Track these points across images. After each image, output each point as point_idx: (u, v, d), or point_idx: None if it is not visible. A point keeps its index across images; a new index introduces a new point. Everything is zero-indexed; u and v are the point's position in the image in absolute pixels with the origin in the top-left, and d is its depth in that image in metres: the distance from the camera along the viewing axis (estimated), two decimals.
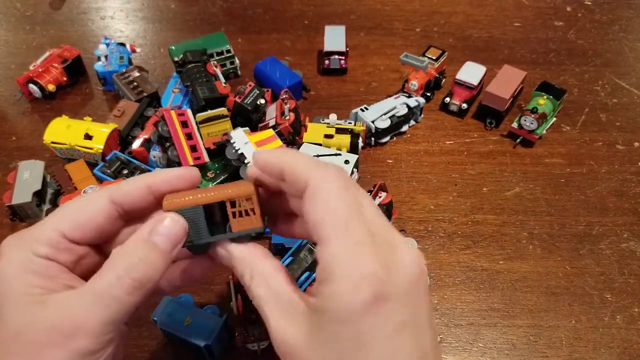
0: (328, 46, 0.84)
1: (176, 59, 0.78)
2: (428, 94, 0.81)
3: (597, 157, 0.74)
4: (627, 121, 0.79)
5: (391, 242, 0.29)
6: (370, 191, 0.62)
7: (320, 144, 0.69)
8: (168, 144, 0.66)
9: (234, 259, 0.33)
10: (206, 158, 0.66)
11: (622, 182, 0.70)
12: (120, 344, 0.34)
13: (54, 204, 0.66)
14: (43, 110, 0.80)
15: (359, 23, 0.96)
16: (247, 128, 0.68)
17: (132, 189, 0.33)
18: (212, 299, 0.58)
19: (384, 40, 0.93)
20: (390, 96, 0.78)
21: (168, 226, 0.32)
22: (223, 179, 0.67)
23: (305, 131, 0.71)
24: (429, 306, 0.30)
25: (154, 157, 0.68)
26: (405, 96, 0.77)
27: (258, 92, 0.72)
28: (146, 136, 0.69)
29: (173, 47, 0.82)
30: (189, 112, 0.69)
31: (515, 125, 0.74)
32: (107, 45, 0.82)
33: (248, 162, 0.63)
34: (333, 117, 0.74)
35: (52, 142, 0.68)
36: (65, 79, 0.81)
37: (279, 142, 0.65)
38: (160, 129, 0.66)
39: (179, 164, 0.63)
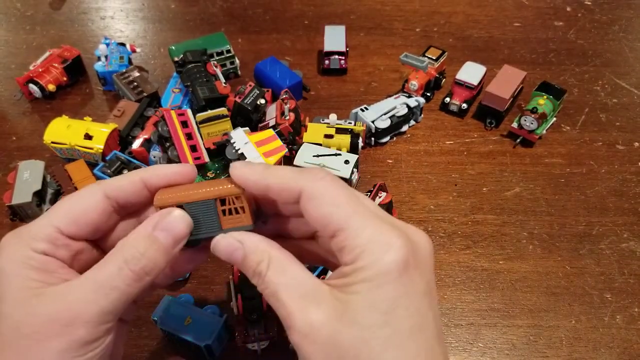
0: (328, 46, 0.84)
1: (176, 59, 0.78)
2: (428, 94, 0.81)
3: (597, 157, 0.74)
4: (627, 121, 0.79)
5: (398, 223, 0.31)
6: (370, 191, 0.62)
7: (320, 144, 0.69)
8: (168, 144, 0.66)
9: (248, 247, 0.32)
10: (206, 158, 0.66)
11: (622, 182, 0.70)
12: (120, 341, 0.34)
13: (54, 204, 0.66)
14: (43, 110, 0.80)
15: (359, 23, 0.96)
16: (247, 128, 0.68)
17: (127, 183, 0.34)
18: (212, 299, 0.58)
19: (384, 40, 0.93)
20: (390, 96, 0.78)
21: (171, 222, 0.32)
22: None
23: (305, 131, 0.71)
24: (434, 283, 0.32)
25: (154, 157, 0.68)
26: (405, 96, 0.77)
27: (258, 92, 0.72)
28: (146, 136, 0.69)
29: (173, 47, 0.82)
30: (189, 112, 0.69)
31: (515, 125, 0.74)
32: (107, 45, 0.82)
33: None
34: (333, 117, 0.74)
35: (52, 142, 0.68)
36: (65, 79, 0.81)
37: (279, 142, 0.65)
38: (160, 129, 0.66)
39: None
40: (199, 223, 0.33)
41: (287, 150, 0.65)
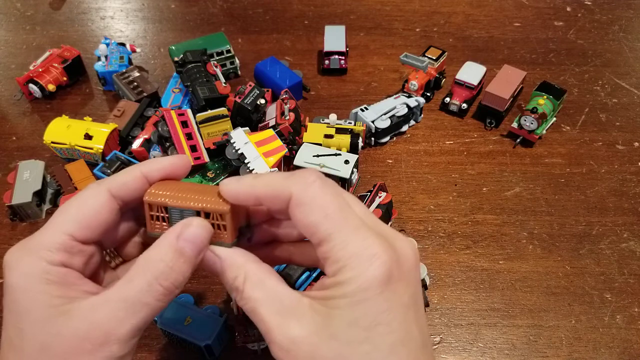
0: (328, 46, 0.84)
1: (176, 59, 0.78)
2: (428, 94, 0.81)
3: (597, 157, 0.74)
4: (627, 121, 0.79)
5: (385, 232, 0.31)
6: (370, 191, 0.62)
7: (320, 144, 0.69)
8: (168, 144, 0.66)
9: (225, 262, 0.32)
10: (206, 158, 0.66)
11: (622, 182, 0.70)
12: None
13: (54, 204, 0.66)
14: (43, 110, 0.80)
15: (359, 23, 0.96)
16: (247, 128, 0.68)
17: (130, 180, 0.33)
18: (212, 299, 0.58)
19: (384, 40, 0.93)
20: (390, 96, 0.78)
21: (195, 233, 0.31)
22: (223, 180, 0.67)
23: (305, 131, 0.71)
24: (421, 293, 0.32)
25: (154, 157, 0.68)
26: (405, 96, 0.77)
27: (258, 92, 0.72)
28: (146, 136, 0.69)
29: (173, 47, 0.82)
30: (189, 112, 0.69)
31: (515, 125, 0.74)
32: (107, 45, 0.82)
33: (248, 162, 0.63)
34: (333, 117, 0.74)
35: (52, 142, 0.68)
36: (65, 79, 0.81)
37: (279, 142, 0.65)
38: (160, 129, 0.66)
39: None
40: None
41: (287, 150, 0.65)
